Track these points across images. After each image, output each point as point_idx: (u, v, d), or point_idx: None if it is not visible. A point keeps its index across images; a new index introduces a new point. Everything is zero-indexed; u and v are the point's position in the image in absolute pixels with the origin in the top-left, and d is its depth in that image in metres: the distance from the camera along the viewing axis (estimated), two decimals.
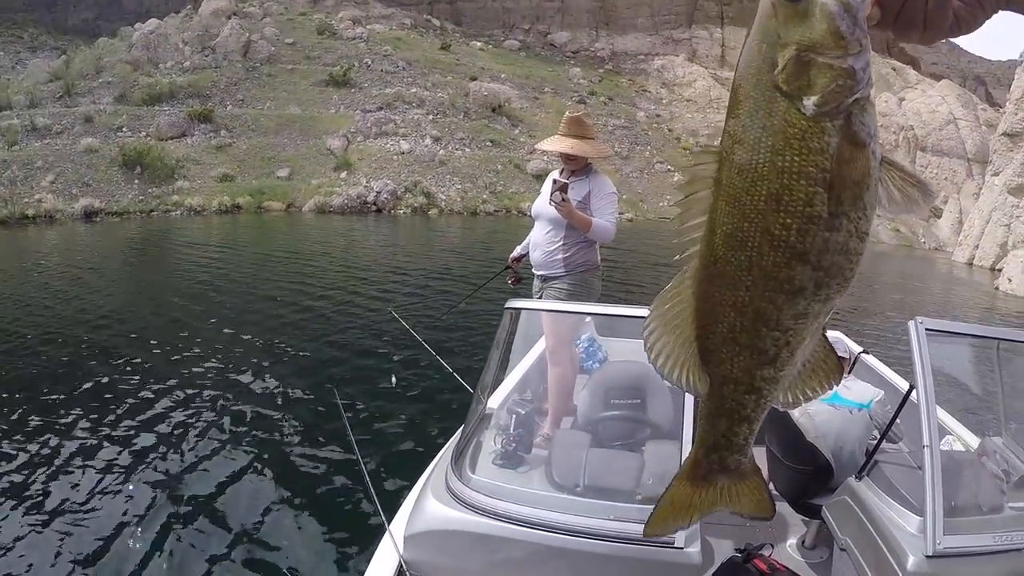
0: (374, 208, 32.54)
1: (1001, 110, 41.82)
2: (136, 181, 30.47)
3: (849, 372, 3.97)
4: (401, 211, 32.87)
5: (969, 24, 0.80)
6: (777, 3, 0.74)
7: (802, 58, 0.73)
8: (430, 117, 42.45)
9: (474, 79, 49.45)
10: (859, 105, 0.75)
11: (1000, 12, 0.79)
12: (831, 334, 4.03)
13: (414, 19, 66.15)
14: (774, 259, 0.79)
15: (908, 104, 57.79)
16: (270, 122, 38.77)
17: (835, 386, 0.93)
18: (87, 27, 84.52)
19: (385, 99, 43.45)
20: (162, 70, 42.93)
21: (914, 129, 55.46)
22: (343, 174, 34.86)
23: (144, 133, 34.78)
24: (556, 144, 4.46)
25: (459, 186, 36.66)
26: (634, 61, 70.29)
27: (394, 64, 49.65)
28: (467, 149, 40.44)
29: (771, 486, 4.12)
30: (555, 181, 4.28)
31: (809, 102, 0.74)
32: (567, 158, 4.47)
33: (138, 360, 8.68)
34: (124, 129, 34.74)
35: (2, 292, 13.21)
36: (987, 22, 0.81)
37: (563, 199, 4.16)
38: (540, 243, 4.53)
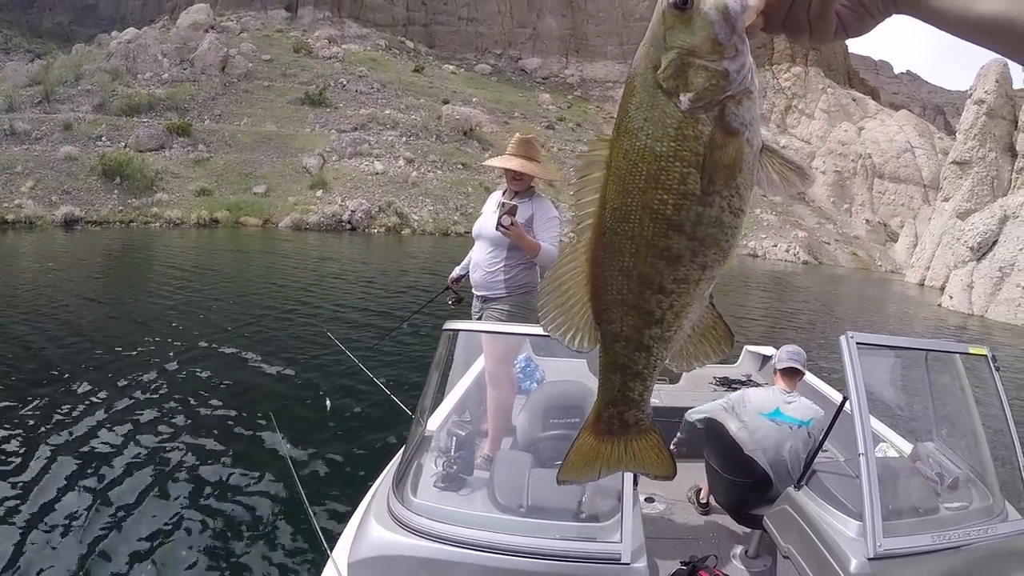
0: (349, 227, 33.22)
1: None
2: (116, 191, 30.93)
3: (794, 388, 4.09)
4: (375, 230, 33.58)
5: (857, 28, 0.85)
6: (665, 11, 0.82)
7: (682, 60, 0.82)
8: (403, 139, 43.46)
9: (446, 102, 50.52)
10: (734, 100, 0.84)
11: (893, 16, 0.84)
12: (793, 347, 4.16)
13: (388, 40, 67.09)
14: (654, 230, 0.88)
15: (867, 133, 59.86)
16: (247, 138, 39.52)
17: (725, 352, 1.03)
18: (61, 31, 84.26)
19: (360, 120, 44.47)
20: (140, 81, 43.49)
21: (872, 157, 57.49)
22: (319, 192, 35.57)
23: (123, 143, 35.31)
24: (506, 161, 4.39)
25: (431, 207, 37.51)
26: (602, 88, 71.95)
27: (369, 85, 50.61)
28: (439, 171, 41.38)
29: (712, 499, 4.34)
30: (503, 204, 4.13)
31: (684, 98, 0.82)
32: (513, 177, 4.40)
33: (78, 373, 8.51)
34: (103, 138, 35.26)
35: None
36: (889, 26, 0.89)
37: (512, 222, 4.04)
38: (481, 264, 4.44)
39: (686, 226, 0.87)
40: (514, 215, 4.05)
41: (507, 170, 4.43)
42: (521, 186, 4.44)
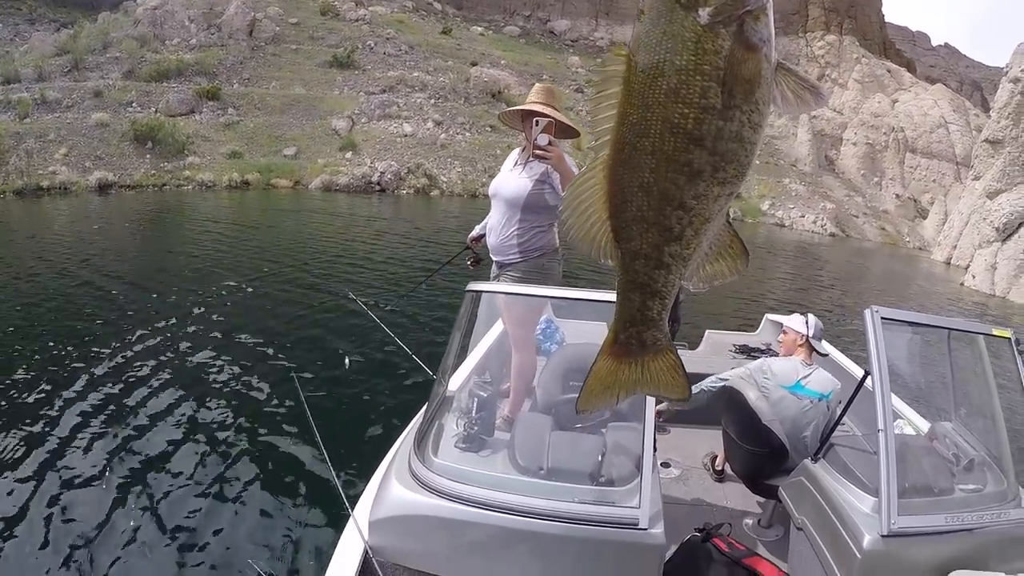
0: (378, 188, 33.26)
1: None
2: (148, 156, 31.15)
3: (811, 359, 4.07)
4: (404, 191, 33.58)
5: None
6: None
7: None
8: (432, 101, 43.16)
9: (474, 64, 50.03)
10: (752, 15, 0.83)
11: None
12: (811, 318, 4.13)
13: (416, 2, 66.47)
14: (675, 144, 0.87)
15: (900, 106, 58.15)
16: (276, 101, 39.42)
17: (741, 271, 1.04)
18: (85, 0, 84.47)
19: (388, 82, 44.11)
20: (168, 47, 43.49)
21: (905, 131, 55.87)
22: (348, 154, 35.52)
23: (154, 109, 35.45)
24: (530, 105, 3.98)
25: (459, 169, 37.38)
26: None
27: (397, 47, 50.22)
28: (467, 134, 41.13)
29: (727, 467, 4.34)
30: (536, 122, 3.65)
31: (704, 12, 0.82)
32: (536, 118, 3.77)
33: (103, 334, 8.69)
34: (134, 104, 35.37)
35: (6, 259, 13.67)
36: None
37: (550, 141, 3.60)
38: (495, 227, 4.21)
39: (707, 140, 0.87)
40: (551, 134, 3.62)
41: (526, 123, 3.97)
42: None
